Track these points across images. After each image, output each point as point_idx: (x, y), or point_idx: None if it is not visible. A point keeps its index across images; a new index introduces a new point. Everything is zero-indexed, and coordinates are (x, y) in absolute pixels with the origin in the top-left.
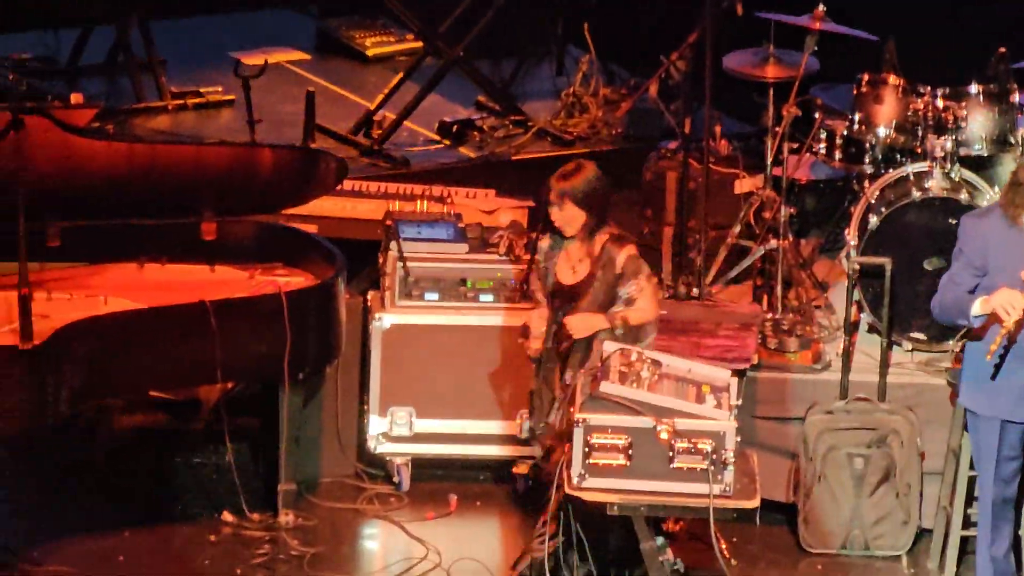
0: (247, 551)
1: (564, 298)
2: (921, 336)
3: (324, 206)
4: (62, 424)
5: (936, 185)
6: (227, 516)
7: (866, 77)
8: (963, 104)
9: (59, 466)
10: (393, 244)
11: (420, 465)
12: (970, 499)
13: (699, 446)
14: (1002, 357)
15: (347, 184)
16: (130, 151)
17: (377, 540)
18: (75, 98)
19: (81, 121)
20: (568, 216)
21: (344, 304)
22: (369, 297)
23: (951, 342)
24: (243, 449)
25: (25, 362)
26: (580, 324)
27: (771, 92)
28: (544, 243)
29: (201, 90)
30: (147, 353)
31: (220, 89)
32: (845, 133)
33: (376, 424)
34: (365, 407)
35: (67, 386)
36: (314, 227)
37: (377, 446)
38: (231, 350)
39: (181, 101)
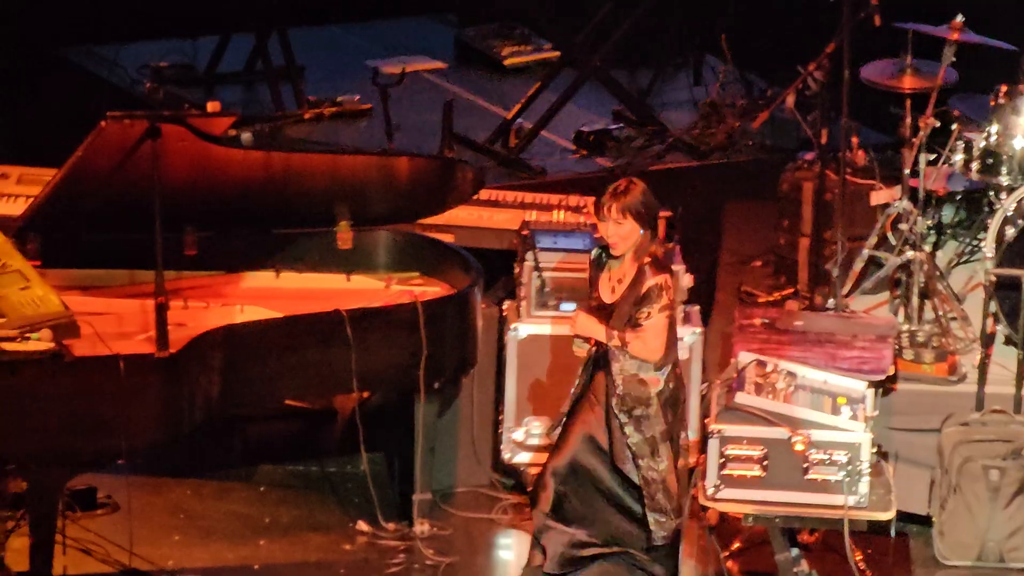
0: (382, 560)
1: (603, 315)
2: None
3: (460, 215)
4: (197, 433)
5: None
6: (362, 525)
7: (1004, 88)
8: None
9: (195, 475)
10: (529, 254)
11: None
12: None
13: (834, 457)
14: None
15: (484, 194)
16: (267, 160)
17: (511, 550)
18: (212, 106)
19: (218, 129)
20: (625, 231)
21: (480, 314)
22: (505, 307)
23: None
24: (378, 459)
25: (161, 371)
26: (584, 321)
27: (908, 103)
28: (594, 252)
29: (339, 98)
30: (283, 362)
31: (358, 98)
32: (983, 144)
33: (511, 434)
34: (500, 417)
35: (203, 395)
36: (451, 236)
37: (512, 456)
38: (367, 360)
39: (318, 110)
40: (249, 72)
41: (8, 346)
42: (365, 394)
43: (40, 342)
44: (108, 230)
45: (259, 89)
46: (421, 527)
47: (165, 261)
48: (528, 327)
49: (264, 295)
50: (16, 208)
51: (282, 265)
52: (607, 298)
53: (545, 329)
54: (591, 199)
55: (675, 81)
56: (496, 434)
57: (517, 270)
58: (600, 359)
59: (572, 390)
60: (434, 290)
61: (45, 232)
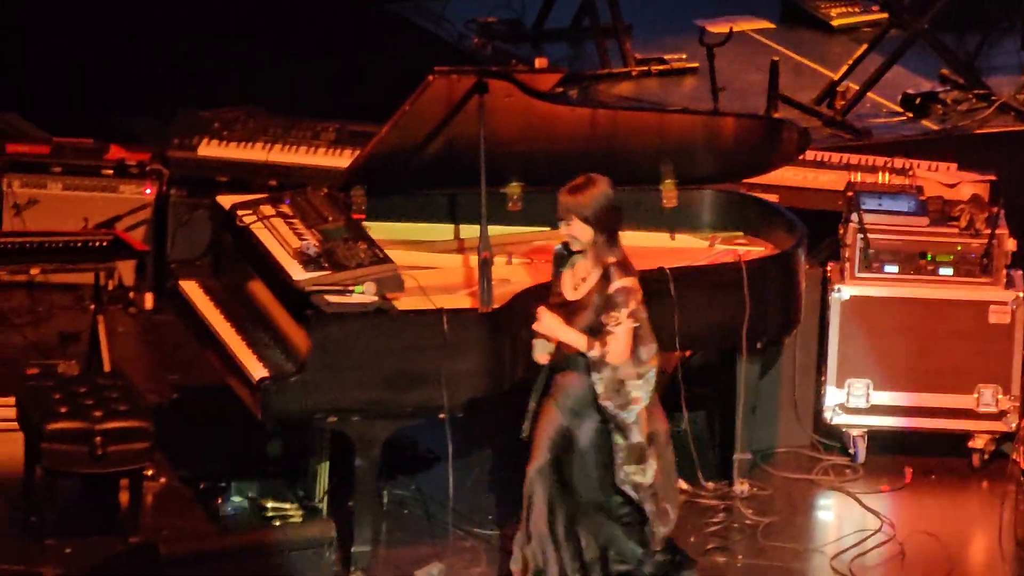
0: (701, 519)
1: (564, 313)
2: None
3: (785, 175)
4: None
5: None
6: (682, 484)
7: None
8: None
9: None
10: (854, 215)
11: (875, 437)
12: None
13: None
14: None
15: (809, 154)
16: (593, 117)
17: (831, 511)
18: (539, 62)
19: (545, 86)
20: (575, 231)
21: (804, 274)
22: (828, 268)
23: None
24: (699, 418)
25: (484, 326)
26: (551, 322)
27: None
28: (557, 248)
29: (665, 57)
30: None
31: (684, 56)
32: None
33: (833, 395)
34: (822, 378)
35: (524, 350)
36: (775, 196)
37: (833, 417)
38: (690, 318)
39: (645, 68)
40: (576, 29)
41: (334, 299)
42: (687, 352)
43: (364, 295)
44: (432, 184)
45: (586, 46)
46: (741, 487)
47: (490, 216)
48: (852, 288)
49: None
50: (343, 161)
51: None
52: (569, 295)
53: (869, 291)
54: (917, 161)
55: (1002, 45)
56: (818, 395)
57: (841, 231)
58: (561, 363)
59: (534, 390)
60: (758, 250)
61: (370, 185)
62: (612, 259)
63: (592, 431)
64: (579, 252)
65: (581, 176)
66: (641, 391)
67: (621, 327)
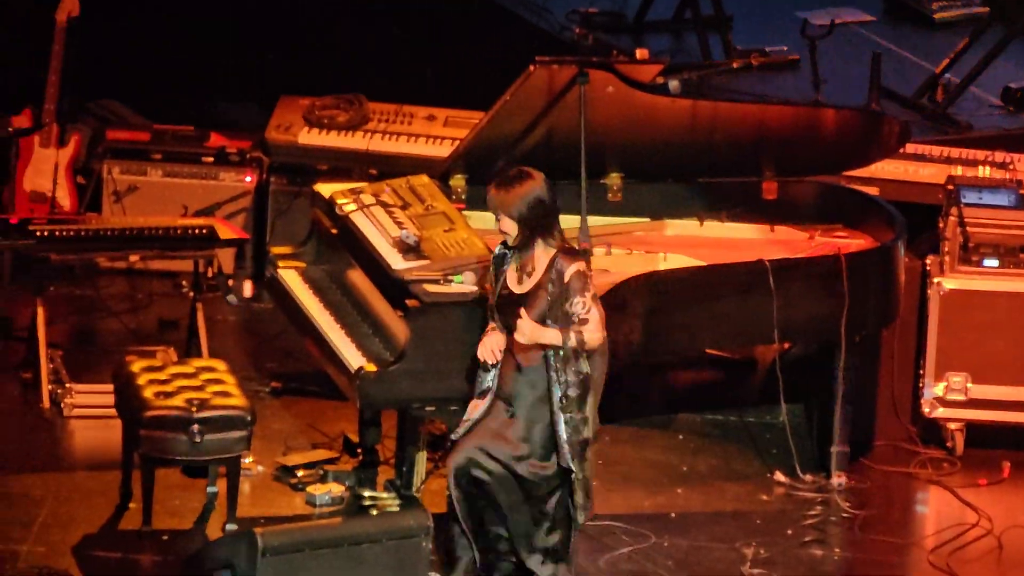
0: (798, 512)
1: (512, 306)
2: None
3: (885, 168)
4: (617, 379)
5: None
6: (779, 476)
7: None
8: None
9: (613, 422)
10: (954, 209)
11: (974, 430)
12: None
13: None
14: None
15: (909, 147)
16: (694, 108)
17: (929, 505)
18: (640, 53)
19: (646, 77)
20: (504, 227)
21: (903, 267)
22: (928, 261)
23: None
24: (797, 410)
25: None
26: (530, 330)
27: None
28: (497, 250)
29: (766, 49)
30: (705, 311)
31: (785, 48)
32: None
33: (931, 389)
34: (921, 372)
35: (623, 342)
36: (875, 189)
37: (932, 411)
38: (788, 310)
39: (746, 60)
40: (677, 20)
41: (433, 288)
42: (786, 344)
43: (464, 285)
44: None
45: (687, 37)
46: (838, 479)
47: (589, 207)
48: (952, 282)
49: (687, 243)
50: (442, 150)
51: (707, 213)
52: (516, 289)
53: (968, 284)
54: (1018, 156)
55: None
56: (916, 388)
57: (941, 225)
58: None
59: (481, 391)
60: (858, 242)
61: (470, 174)
62: (555, 248)
63: (540, 435)
64: (520, 248)
65: (514, 170)
66: (593, 380)
67: (593, 311)
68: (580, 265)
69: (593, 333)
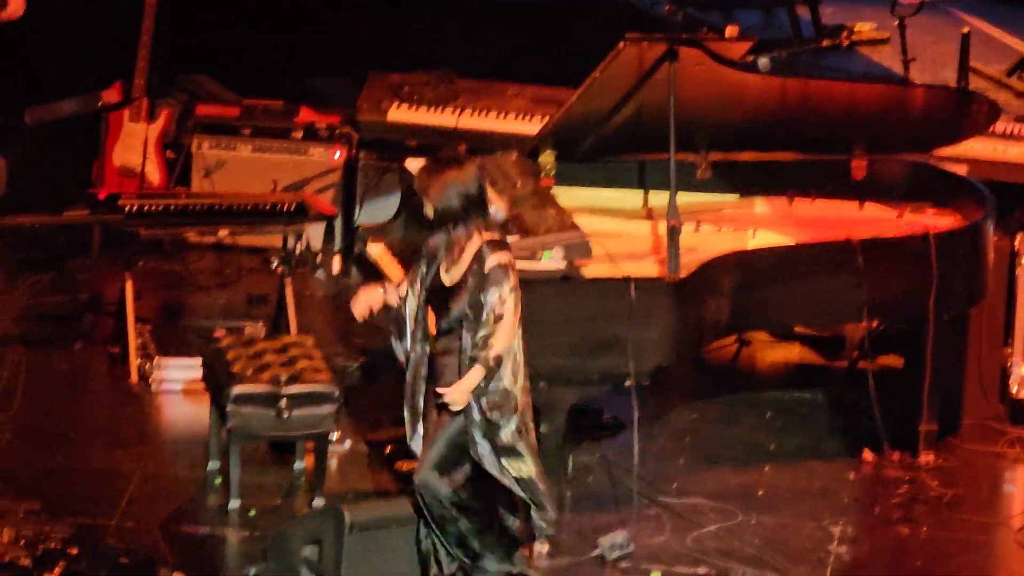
0: (886, 490)
1: (441, 299)
2: None
3: (974, 147)
4: (705, 357)
5: None
6: (867, 454)
7: None
8: None
9: (701, 399)
10: None
11: None
12: None
13: None
14: None
15: (998, 127)
16: (783, 86)
17: (1016, 484)
18: (730, 31)
19: (735, 54)
20: (427, 211)
21: (992, 246)
22: (1017, 240)
23: None
24: (885, 388)
25: (671, 294)
26: (460, 396)
27: None
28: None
29: (856, 27)
30: (794, 289)
31: (875, 26)
32: None
33: (1020, 368)
34: (1009, 351)
35: (711, 319)
36: (964, 168)
37: (1020, 390)
38: (877, 289)
39: (836, 38)
40: None
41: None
42: (874, 323)
43: (552, 262)
44: (621, 151)
45: (777, 14)
46: (926, 458)
47: (678, 184)
48: None
49: (776, 221)
50: (531, 127)
51: (796, 191)
52: (447, 281)
53: None
54: None
55: None
56: (1004, 368)
57: None
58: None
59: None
60: (946, 221)
61: (559, 151)
62: (481, 239)
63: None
64: (444, 234)
65: (448, 154)
66: (515, 383)
67: (508, 305)
68: (503, 257)
69: (503, 338)
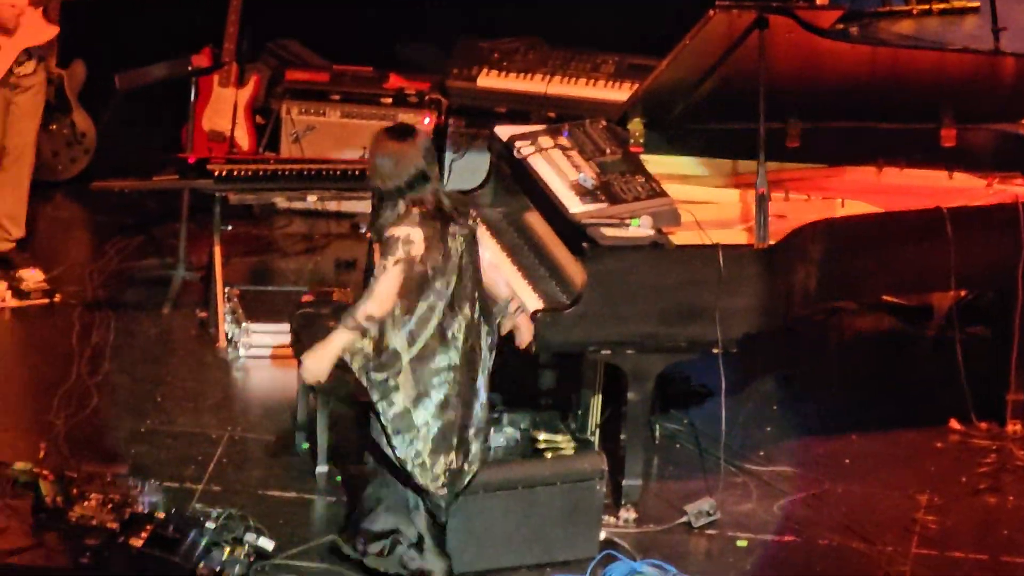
0: (973, 460)
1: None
2: None
3: None
4: (793, 326)
5: None
6: (954, 424)
7: None
8: None
9: (789, 367)
10: None
11: None
12: None
13: None
14: None
15: None
16: (873, 55)
17: None
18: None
19: (825, 22)
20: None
21: None
22: None
23: None
24: (973, 357)
25: (760, 262)
26: (314, 366)
27: None
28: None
29: None
30: (882, 257)
31: None
32: None
33: None
34: None
35: (800, 287)
36: None
37: None
38: (966, 258)
39: (926, 6)
40: None
41: (610, 232)
42: (962, 292)
43: (641, 229)
44: (710, 119)
45: None
46: (1013, 427)
47: (768, 152)
48: None
49: (865, 189)
50: (621, 94)
51: (885, 160)
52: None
53: None
54: None
55: None
56: None
57: None
58: None
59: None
60: None
61: (648, 119)
62: (402, 208)
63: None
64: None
65: (396, 126)
66: (407, 350)
67: (386, 274)
68: (400, 231)
69: (374, 301)
